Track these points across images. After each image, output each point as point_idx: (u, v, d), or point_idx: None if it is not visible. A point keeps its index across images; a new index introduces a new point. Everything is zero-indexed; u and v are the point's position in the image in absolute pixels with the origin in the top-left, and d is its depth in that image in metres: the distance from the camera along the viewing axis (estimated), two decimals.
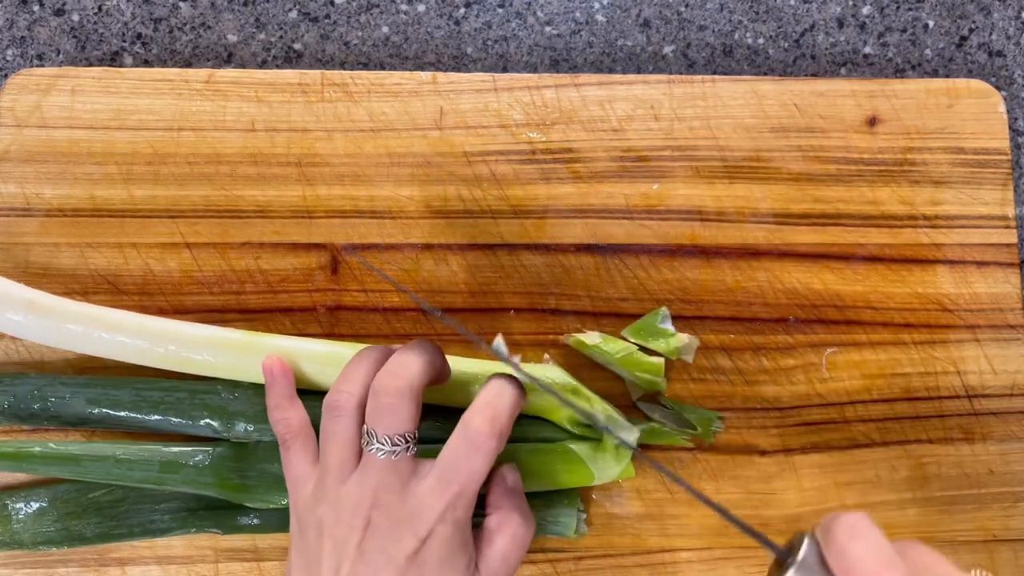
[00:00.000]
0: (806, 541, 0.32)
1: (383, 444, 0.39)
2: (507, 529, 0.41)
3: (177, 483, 0.45)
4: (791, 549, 0.33)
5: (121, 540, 0.46)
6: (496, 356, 0.41)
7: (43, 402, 0.45)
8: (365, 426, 0.40)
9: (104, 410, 0.45)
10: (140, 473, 0.45)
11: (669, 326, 0.49)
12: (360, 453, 0.40)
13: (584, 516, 0.47)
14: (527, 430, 0.46)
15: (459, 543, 0.39)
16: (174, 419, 0.45)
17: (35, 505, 0.45)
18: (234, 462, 0.45)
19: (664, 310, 0.49)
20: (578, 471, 0.45)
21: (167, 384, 0.46)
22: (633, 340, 0.48)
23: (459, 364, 0.45)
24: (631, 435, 0.45)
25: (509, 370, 0.42)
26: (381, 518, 0.38)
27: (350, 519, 0.38)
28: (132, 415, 0.45)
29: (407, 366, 0.40)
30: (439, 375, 0.42)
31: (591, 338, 0.48)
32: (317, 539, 0.39)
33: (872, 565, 0.30)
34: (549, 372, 0.46)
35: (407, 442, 0.39)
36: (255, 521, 0.46)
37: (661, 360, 0.47)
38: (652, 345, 0.48)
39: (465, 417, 0.40)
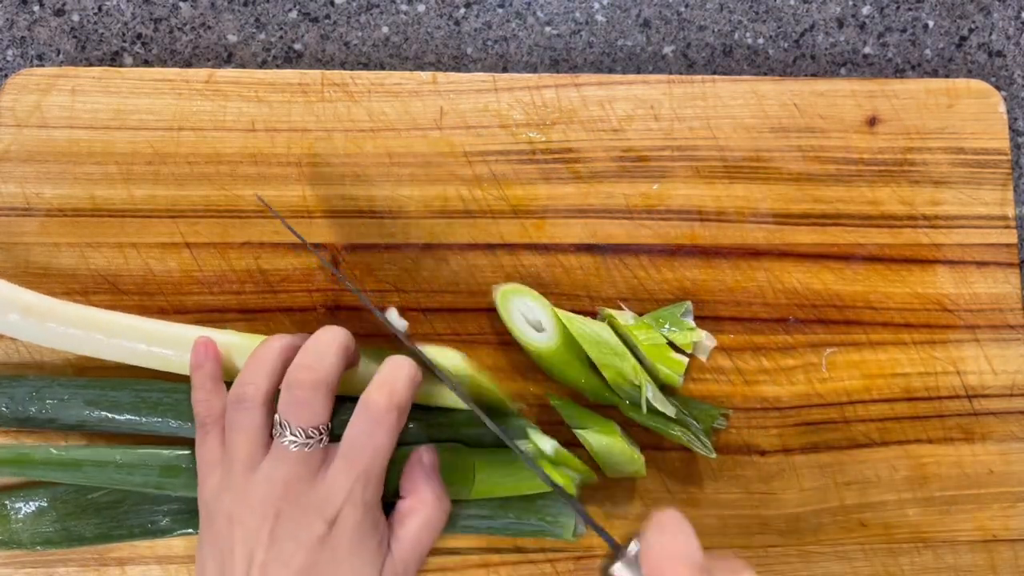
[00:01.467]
0: (635, 539, 0.35)
1: (296, 436, 0.39)
2: (420, 511, 0.41)
3: (177, 487, 0.44)
4: (625, 545, 0.35)
5: (121, 541, 0.46)
6: (388, 327, 0.42)
7: (41, 403, 0.45)
8: (277, 417, 0.40)
9: (103, 412, 0.45)
10: (140, 477, 0.44)
11: (690, 320, 0.49)
12: (267, 444, 0.40)
13: (582, 519, 0.47)
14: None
15: (369, 524, 0.40)
16: (173, 422, 0.45)
17: (34, 505, 0.45)
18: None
19: (688, 304, 0.49)
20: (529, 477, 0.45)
21: (167, 385, 0.46)
22: (654, 325, 0.48)
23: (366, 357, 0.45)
24: (525, 443, 0.45)
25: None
26: (290, 507, 0.39)
27: (261, 509, 0.39)
28: (131, 418, 0.45)
29: (321, 358, 0.40)
30: (350, 361, 0.43)
31: (624, 317, 0.48)
32: (228, 528, 0.39)
33: (673, 560, 0.32)
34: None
35: (320, 434, 0.40)
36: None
37: (685, 359, 0.47)
38: (670, 335, 0.48)
39: (363, 395, 0.40)
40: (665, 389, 0.48)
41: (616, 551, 0.36)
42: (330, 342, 0.41)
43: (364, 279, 0.50)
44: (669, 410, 0.46)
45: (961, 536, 0.49)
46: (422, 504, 0.42)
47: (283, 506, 0.39)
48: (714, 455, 0.47)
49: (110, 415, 0.45)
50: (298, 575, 0.38)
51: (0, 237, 0.49)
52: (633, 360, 0.46)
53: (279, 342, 0.42)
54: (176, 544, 0.47)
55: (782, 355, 0.50)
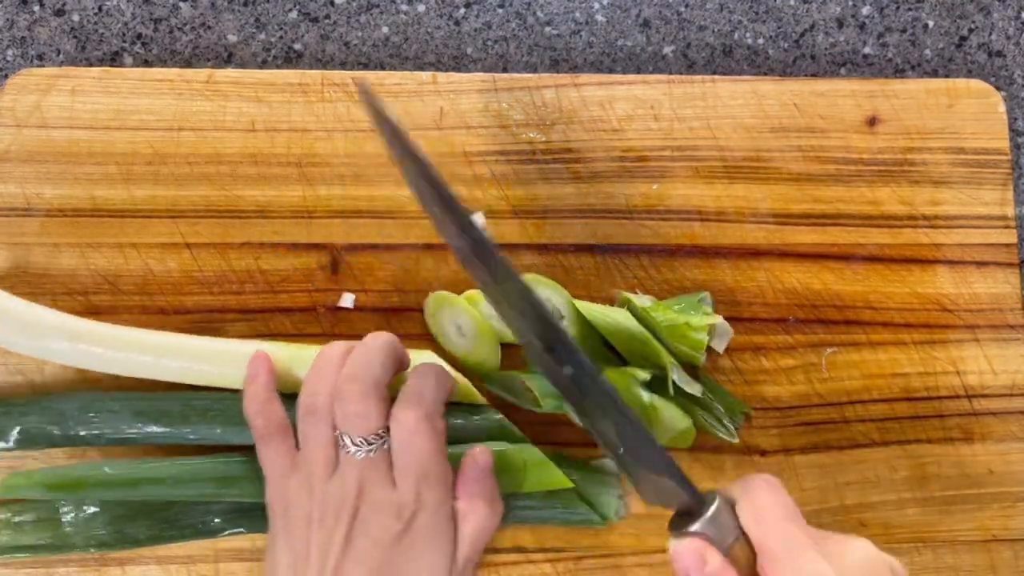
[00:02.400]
0: (718, 499, 0.36)
1: (358, 446, 0.40)
2: (472, 517, 0.41)
3: (233, 495, 0.44)
4: (701, 504, 0.36)
5: (173, 542, 0.46)
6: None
7: (88, 418, 0.45)
8: (337, 431, 0.41)
9: (151, 423, 0.45)
10: (195, 490, 0.44)
11: (708, 305, 0.49)
12: (338, 448, 0.41)
13: (624, 500, 0.47)
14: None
15: (442, 523, 0.40)
16: (221, 428, 0.45)
17: (86, 508, 0.45)
18: None
19: (706, 293, 0.49)
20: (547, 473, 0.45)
21: (214, 394, 0.45)
22: (673, 308, 0.48)
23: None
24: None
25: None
26: (366, 508, 0.40)
27: (336, 512, 0.40)
28: (180, 429, 0.45)
29: (367, 367, 0.41)
30: (400, 364, 0.43)
31: (641, 300, 0.48)
32: (305, 532, 0.40)
33: (780, 514, 0.35)
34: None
35: (381, 438, 0.40)
36: None
37: (705, 336, 0.47)
38: (687, 319, 0.48)
39: (392, 411, 0.41)
40: (695, 371, 0.49)
41: (698, 507, 0.36)
42: (375, 350, 0.42)
43: (364, 279, 0.50)
44: (696, 389, 0.46)
45: (961, 536, 0.49)
46: (475, 509, 0.42)
47: (360, 506, 0.40)
48: (736, 439, 0.47)
49: (159, 428, 0.45)
50: (373, 573, 0.39)
51: (0, 237, 0.49)
52: (656, 343, 0.47)
53: (337, 350, 0.43)
54: (175, 544, 0.47)
55: (782, 355, 0.50)
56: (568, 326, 0.48)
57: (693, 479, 0.37)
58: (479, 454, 0.43)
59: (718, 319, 0.48)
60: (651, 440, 0.39)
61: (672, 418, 0.46)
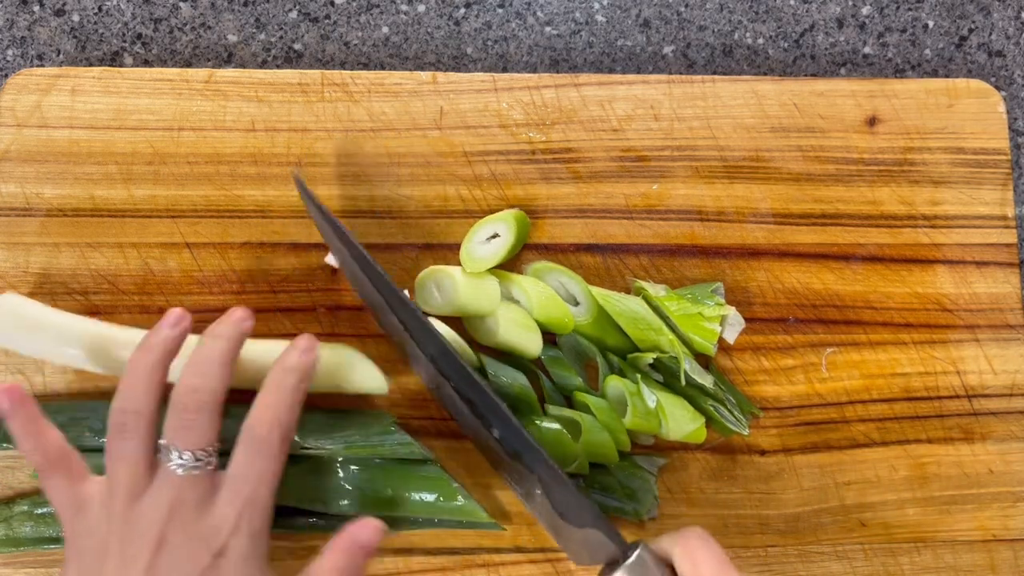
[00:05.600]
0: (640, 547, 0.38)
1: (184, 460, 0.38)
2: None
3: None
4: (626, 553, 0.38)
5: None
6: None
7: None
8: (162, 440, 0.38)
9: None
10: None
11: (721, 296, 0.49)
12: (151, 470, 0.38)
13: (657, 501, 0.47)
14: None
15: (258, 556, 0.38)
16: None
17: None
18: (310, 475, 0.45)
19: (719, 284, 0.49)
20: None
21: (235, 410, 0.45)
22: (686, 297, 0.48)
23: (253, 348, 0.44)
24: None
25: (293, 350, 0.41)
26: (176, 534, 0.37)
27: (141, 537, 0.37)
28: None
29: (206, 376, 0.39)
30: (242, 337, 0.41)
31: (656, 289, 0.48)
32: (98, 566, 0.36)
33: (716, 564, 0.36)
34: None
35: (208, 455, 0.38)
36: (320, 522, 0.46)
37: (717, 327, 0.47)
38: (700, 307, 0.48)
39: (246, 421, 0.39)
40: (707, 362, 0.49)
41: (623, 554, 0.38)
42: (215, 356, 0.39)
43: None
44: (707, 380, 0.47)
45: (961, 536, 0.49)
46: None
47: (168, 533, 0.37)
48: (747, 432, 0.47)
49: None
50: None
51: (0, 237, 0.49)
52: (670, 333, 0.47)
53: (151, 356, 0.39)
54: None
55: (782, 355, 0.50)
56: (583, 313, 0.48)
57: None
58: (364, 530, 0.38)
59: (731, 310, 0.48)
60: (579, 496, 0.40)
61: (682, 418, 0.46)
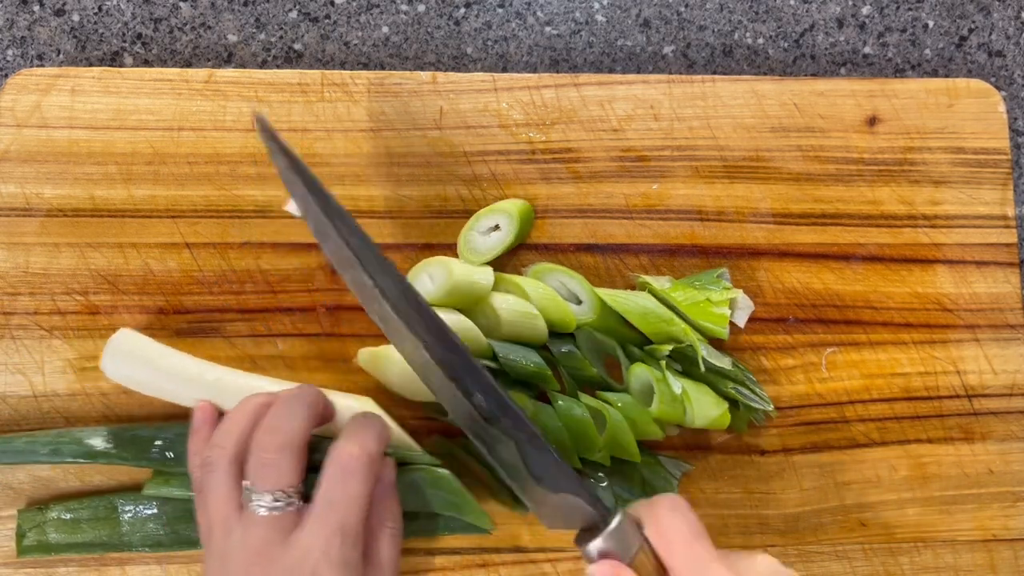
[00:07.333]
0: (619, 513, 0.37)
1: (264, 501, 0.38)
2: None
3: None
4: (605, 519, 0.38)
5: None
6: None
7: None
8: (245, 482, 0.39)
9: None
10: None
11: (727, 281, 0.49)
12: (240, 507, 0.39)
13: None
14: None
15: None
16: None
17: (144, 508, 0.45)
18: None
19: (724, 269, 0.50)
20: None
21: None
22: (692, 286, 0.48)
23: (341, 401, 0.45)
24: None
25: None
26: (263, 572, 0.37)
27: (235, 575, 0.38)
28: None
29: (288, 420, 0.40)
30: (322, 418, 0.42)
31: (660, 282, 0.48)
32: None
33: (686, 533, 0.36)
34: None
35: (290, 497, 0.39)
36: None
37: (727, 311, 0.47)
38: (707, 293, 0.48)
39: (331, 449, 0.40)
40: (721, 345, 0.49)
41: (602, 522, 0.38)
42: (299, 402, 0.40)
43: None
44: (725, 362, 0.47)
45: (961, 536, 0.49)
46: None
47: (256, 572, 0.37)
48: (771, 406, 0.48)
49: None
50: None
51: (0, 237, 0.49)
52: (682, 323, 0.47)
53: (251, 403, 0.41)
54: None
55: (782, 355, 0.50)
56: (586, 311, 0.48)
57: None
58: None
59: (738, 292, 0.48)
60: (558, 462, 0.39)
61: (706, 403, 0.46)
